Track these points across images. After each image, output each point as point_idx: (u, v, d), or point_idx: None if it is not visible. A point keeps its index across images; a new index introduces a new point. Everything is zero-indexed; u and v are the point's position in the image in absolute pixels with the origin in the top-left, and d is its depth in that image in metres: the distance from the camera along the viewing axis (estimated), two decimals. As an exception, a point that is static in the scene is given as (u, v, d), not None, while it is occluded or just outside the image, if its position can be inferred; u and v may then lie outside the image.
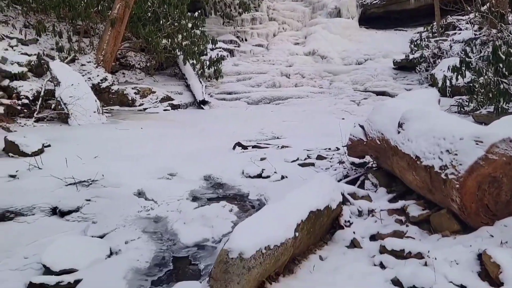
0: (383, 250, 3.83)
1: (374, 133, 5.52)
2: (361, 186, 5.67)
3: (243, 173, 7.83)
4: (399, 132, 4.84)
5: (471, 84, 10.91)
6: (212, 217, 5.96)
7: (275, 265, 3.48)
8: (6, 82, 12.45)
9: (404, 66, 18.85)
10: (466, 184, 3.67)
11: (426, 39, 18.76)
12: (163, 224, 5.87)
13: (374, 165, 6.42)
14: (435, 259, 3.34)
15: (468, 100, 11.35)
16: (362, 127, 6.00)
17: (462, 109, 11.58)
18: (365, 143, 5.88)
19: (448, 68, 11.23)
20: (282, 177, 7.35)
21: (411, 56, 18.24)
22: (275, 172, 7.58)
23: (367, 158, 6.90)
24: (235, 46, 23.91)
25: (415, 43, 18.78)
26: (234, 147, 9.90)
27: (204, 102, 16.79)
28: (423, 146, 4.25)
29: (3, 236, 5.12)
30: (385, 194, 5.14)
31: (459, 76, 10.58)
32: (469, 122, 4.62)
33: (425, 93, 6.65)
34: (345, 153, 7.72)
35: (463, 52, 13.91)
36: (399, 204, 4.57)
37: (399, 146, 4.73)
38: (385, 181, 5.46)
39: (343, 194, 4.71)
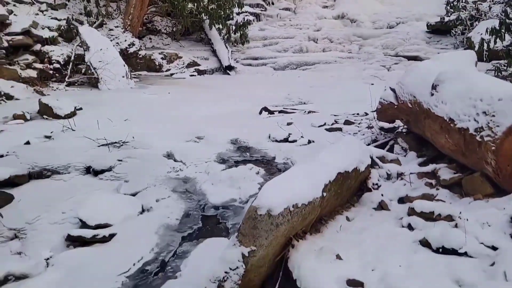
0: (411, 212, 3.81)
1: (406, 96, 5.37)
2: (390, 150, 5.58)
3: (269, 137, 7.84)
4: (432, 94, 4.69)
5: (511, 48, 10.33)
6: (239, 179, 6.06)
7: (302, 224, 3.52)
8: (38, 46, 12.70)
9: (438, 30, 17.96)
10: (502, 146, 3.55)
11: (463, 0, 17.73)
12: (191, 185, 6.02)
13: (404, 130, 6.29)
14: (467, 220, 3.29)
15: (506, 65, 10.79)
16: (393, 90, 5.84)
17: (499, 73, 11.03)
18: (395, 106, 5.73)
19: (486, 31, 10.61)
20: (309, 142, 7.32)
21: (446, 19, 17.29)
22: (301, 137, 7.56)
23: (397, 123, 6.76)
24: (261, 10, 23.32)
25: (451, 4, 17.73)
26: (260, 112, 9.88)
27: (230, 68, 16.68)
28: (458, 108, 4.11)
29: (41, 192, 5.38)
30: (415, 158, 5.05)
31: (498, 39, 10.00)
32: (508, 83, 4.42)
33: (461, 55, 6.36)
34: (374, 118, 7.57)
35: (503, 14, 13.07)
36: (430, 167, 4.49)
37: (432, 108, 4.59)
38: (415, 145, 5.35)
39: (371, 157, 4.65)
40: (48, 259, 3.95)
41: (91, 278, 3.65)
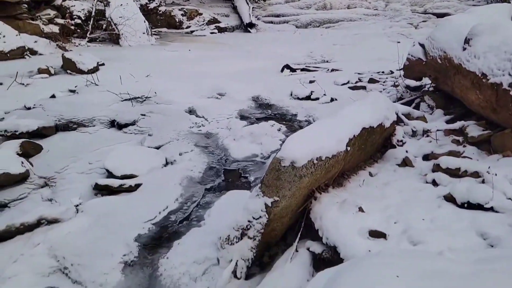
0: (436, 168, 3.76)
1: (436, 51, 5.16)
2: (416, 108, 5.45)
3: (291, 94, 7.75)
4: (464, 49, 4.49)
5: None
6: (261, 135, 6.07)
7: (325, 177, 3.53)
8: (58, 1, 12.65)
9: (471, -15, 16.99)
10: (537, 102, 3.41)
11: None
12: (213, 140, 6.07)
13: (431, 88, 6.10)
14: (495, 175, 3.23)
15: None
16: (422, 45, 5.61)
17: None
18: (424, 63, 5.53)
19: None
20: (332, 99, 7.21)
21: (480, -28, 16.31)
22: (324, 95, 7.44)
23: (424, 81, 6.56)
24: (284, -36, 22.42)
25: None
26: (282, 70, 9.72)
27: (251, 25, 16.30)
28: (492, 62, 3.93)
29: (69, 143, 5.53)
30: (442, 116, 4.92)
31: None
32: (548, 37, 4.17)
33: (497, 8, 6.00)
34: (400, 76, 7.36)
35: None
36: (457, 124, 4.37)
37: (463, 63, 4.41)
38: (443, 103, 5.21)
39: (397, 114, 4.56)
40: (77, 206, 4.11)
41: (119, 224, 3.80)
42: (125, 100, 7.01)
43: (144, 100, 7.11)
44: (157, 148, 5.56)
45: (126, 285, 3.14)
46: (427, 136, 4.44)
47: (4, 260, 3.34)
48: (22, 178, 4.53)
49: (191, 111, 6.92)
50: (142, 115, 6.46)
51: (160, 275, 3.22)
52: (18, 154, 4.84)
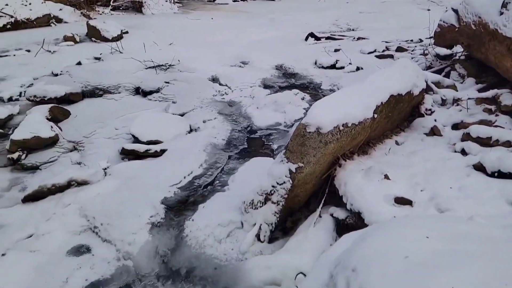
0: (466, 137, 3.66)
1: (470, 16, 4.92)
2: (446, 77, 5.26)
3: (315, 63, 7.60)
4: (501, 13, 4.26)
5: None
6: (284, 104, 6.02)
7: (351, 144, 3.49)
8: (82, -31, 12.58)
9: None
10: None
11: None
12: (237, 108, 6.07)
13: (462, 56, 5.86)
14: (529, 144, 3.13)
15: None
16: (455, 11, 5.36)
17: None
18: (456, 29, 5.30)
19: None
20: (357, 68, 7.05)
21: None
22: (349, 63, 7.27)
23: (454, 49, 6.31)
24: None
25: None
26: (306, 38, 9.51)
27: (275, -8, 15.89)
28: (531, 27, 3.73)
29: (95, 109, 5.63)
30: (473, 84, 4.75)
31: None
32: None
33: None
34: (429, 44, 7.09)
35: None
36: (490, 93, 4.21)
37: (499, 29, 4.20)
38: (475, 71, 5.01)
39: (426, 82, 4.42)
40: (105, 169, 4.22)
41: (145, 187, 3.89)
42: (149, 67, 7.03)
43: (168, 68, 7.12)
44: (181, 115, 5.60)
45: (153, 245, 3.25)
46: (457, 105, 4.31)
47: (38, 218, 3.49)
48: (52, 142, 4.66)
49: (214, 79, 6.90)
50: (166, 82, 6.49)
51: (186, 236, 3.31)
52: (47, 119, 4.96)
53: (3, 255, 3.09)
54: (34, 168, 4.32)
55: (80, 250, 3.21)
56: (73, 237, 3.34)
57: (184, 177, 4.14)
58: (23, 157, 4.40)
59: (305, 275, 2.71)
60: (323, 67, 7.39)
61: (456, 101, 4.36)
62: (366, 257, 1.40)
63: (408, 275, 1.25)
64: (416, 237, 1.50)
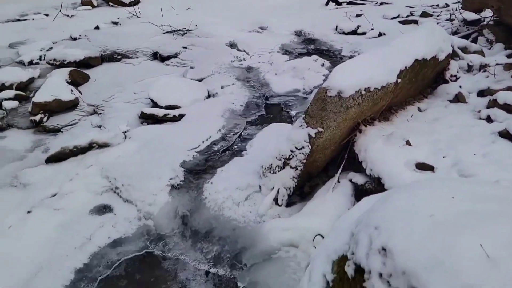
0: (492, 104, 3.54)
1: (502, -22, 4.66)
2: (473, 42, 5.05)
3: (336, 29, 7.39)
4: (538, -26, 4.02)
5: None
6: (303, 70, 5.91)
7: (372, 109, 3.42)
8: None
9: None
10: None
11: None
12: (255, 74, 5.99)
13: (491, 21, 5.61)
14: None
15: None
16: (487, -28, 5.08)
17: None
18: (487, -8, 5.04)
19: None
20: (380, 34, 6.82)
21: None
22: (371, 29, 7.04)
23: (482, 14, 6.04)
24: None
25: None
26: (327, 3, 9.21)
27: (294, -45, 15.31)
28: None
29: (114, 74, 5.64)
30: (502, 50, 4.56)
31: None
32: None
33: None
34: (456, 9, 6.81)
35: None
36: (520, 59, 4.04)
37: (534, -10, 3.97)
38: (504, 36, 4.80)
39: (452, 47, 4.25)
40: (125, 132, 4.26)
41: (165, 150, 3.92)
42: (167, 32, 6.96)
43: (185, 33, 7.03)
44: (199, 80, 5.57)
45: (173, 206, 3.31)
46: (484, 71, 4.15)
47: (61, 178, 3.57)
48: (72, 105, 4.71)
49: (232, 45, 6.80)
50: (183, 47, 6.43)
51: (205, 198, 3.35)
52: (67, 82, 5.00)
53: (28, 212, 3.20)
54: (56, 131, 4.40)
55: (103, 210, 3.30)
56: (96, 197, 3.42)
57: (203, 142, 4.16)
58: (45, 119, 4.47)
59: (323, 236, 2.73)
60: (344, 33, 7.19)
61: (483, 67, 4.20)
62: (390, 215, 1.39)
63: (434, 232, 1.24)
64: (441, 197, 1.48)
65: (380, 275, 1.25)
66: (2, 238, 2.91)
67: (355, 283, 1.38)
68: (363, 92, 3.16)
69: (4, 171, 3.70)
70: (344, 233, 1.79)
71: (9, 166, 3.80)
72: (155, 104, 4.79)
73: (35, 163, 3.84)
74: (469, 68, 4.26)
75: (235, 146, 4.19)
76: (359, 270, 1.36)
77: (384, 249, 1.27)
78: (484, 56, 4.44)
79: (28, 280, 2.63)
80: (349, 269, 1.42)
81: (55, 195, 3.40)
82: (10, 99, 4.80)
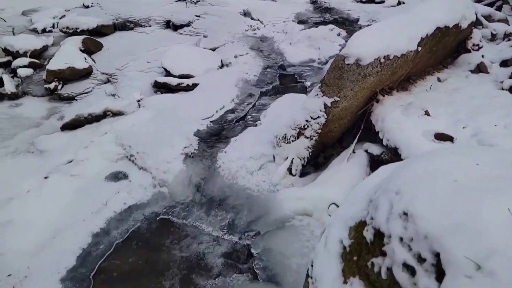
0: (516, 74, 3.42)
1: None
2: (498, 10, 4.85)
3: (353, -3, 7.18)
4: None
5: None
6: (319, 39, 5.77)
7: (391, 78, 3.33)
8: None
9: None
10: None
11: None
12: (269, 43, 5.88)
13: (518, -11, 5.35)
14: None
15: None
16: None
17: None
18: (515, -44, 4.78)
19: None
20: (399, 3, 6.59)
21: None
22: (390, -3, 6.82)
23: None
24: None
25: None
26: (344, -29, 8.90)
27: None
28: None
29: (127, 42, 5.59)
30: (529, 18, 4.36)
31: None
32: None
33: None
34: (480, -24, 6.51)
35: None
36: (548, 27, 3.87)
37: None
38: (531, 4, 4.57)
39: (476, 15, 4.08)
40: (139, 101, 4.24)
41: (178, 119, 3.91)
42: (179, 0, 6.83)
43: (198, 1, 6.89)
44: (213, 49, 5.49)
45: (187, 174, 3.32)
46: (509, 40, 3.99)
47: (77, 145, 3.60)
48: (86, 73, 4.70)
49: (246, 14, 6.65)
50: (196, 16, 6.31)
51: (218, 167, 3.35)
52: (80, 50, 4.97)
53: (45, 178, 3.25)
54: (70, 98, 4.41)
55: (118, 177, 3.33)
56: (111, 164, 3.45)
57: (216, 111, 4.14)
58: (59, 87, 4.48)
59: (337, 205, 2.72)
60: (361, 1, 6.97)
61: (507, 36, 4.04)
62: (412, 180, 1.35)
63: (458, 197, 1.20)
64: (465, 163, 1.43)
65: (401, 239, 1.22)
66: (20, 202, 2.97)
67: (373, 248, 1.36)
68: (382, 60, 3.07)
69: (21, 138, 3.75)
70: (361, 200, 1.77)
71: (25, 133, 3.84)
72: (168, 73, 4.75)
73: (50, 130, 3.87)
74: (493, 37, 4.10)
75: (249, 116, 4.16)
76: (379, 235, 1.34)
77: (405, 214, 1.24)
78: (509, 25, 4.27)
79: (46, 242, 2.69)
80: (368, 234, 1.40)
81: (71, 161, 3.44)
82: (24, 66, 4.81)
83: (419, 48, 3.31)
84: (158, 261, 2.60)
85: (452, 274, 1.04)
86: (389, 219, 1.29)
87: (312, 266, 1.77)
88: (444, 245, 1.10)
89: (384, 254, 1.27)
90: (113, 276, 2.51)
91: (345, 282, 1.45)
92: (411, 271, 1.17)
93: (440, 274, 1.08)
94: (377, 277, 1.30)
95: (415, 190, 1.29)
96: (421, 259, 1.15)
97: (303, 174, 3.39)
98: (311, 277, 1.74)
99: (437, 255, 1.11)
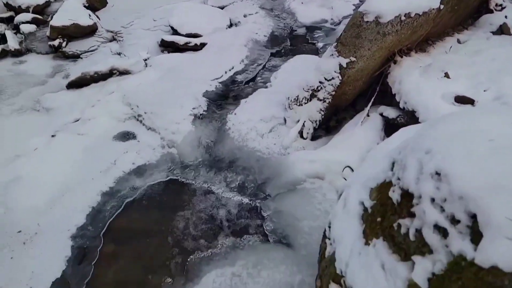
0: (542, 36, 3.25)
1: None
2: (523, -31, 4.58)
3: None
4: None
5: None
6: (332, -1, 5.55)
7: (410, 38, 3.18)
8: None
9: None
10: None
11: None
12: (280, 2, 5.64)
13: None
14: None
15: None
16: None
17: None
18: None
19: None
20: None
21: None
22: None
23: None
24: None
25: None
26: None
27: None
28: None
29: (132, -1, 5.40)
30: (557, -22, 4.11)
31: None
32: None
33: None
34: None
35: None
36: None
37: None
38: (560, -37, 4.31)
39: (501, -27, 3.85)
40: (146, 60, 4.12)
41: (186, 79, 3.80)
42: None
43: (206, -44, 6.57)
44: (221, 8, 5.29)
45: (196, 135, 3.25)
46: (535, 0, 3.78)
47: (83, 104, 3.52)
48: (90, 30, 4.55)
49: (256, -30, 6.36)
50: (204, -28, 6.04)
51: (228, 129, 3.28)
52: (84, 6, 4.79)
53: (53, 136, 3.19)
54: (75, 56, 4.29)
55: (126, 136, 3.26)
56: (118, 123, 3.38)
57: (225, 72, 4.01)
58: (63, 44, 4.35)
59: (352, 169, 2.65)
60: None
61: (533, -4, 3.83)
62: (444, 139, 1.27)
63: (495, 156, 1.12)
64: (499, 122, 1.34)
65: (432, 200, 1.16)
66: (28, 160, 2.92)
67: (400, 209, 1.30)
68: (402, 18, 2.91)
69: (26, 96, 3.66)
70: (382, 161, 1.69)
71: (30, 90, 3.75)
72: (175, 32, 4.59)
73: (56, 89, 3.78)
74: (518, -3, 3.89)
75: (259, 78, 4.04)
76: (407, 196, 1.27)
77: (437, 173, 1.16)
78: (536, -16, 4.03)
79: (55, 200, 2.66)
80: (394, 195, 1.33)
81: (78, 120, 3.37)
82: (27, 22, 4.65)
83: (441, 6, 3.14)
84: (168, 221, 2.58)
85: (491, 236, 0.98)
86: (419, 179, 1.22)
87: (329, 227, 1.72)
88: (482, 206, 1.03)
89: (412, 215, 1.21)
90: (123, 235, 2.50)
91: (367, 243, 1.40)
92: (443, 232, 1.11)
93: (476, 236, 1.02)
94: (403, 239, 1.24)
95: (448, 149, 1.21)
96: (454, 221, 1.09)
97: (314, 137, 3.31)
98: (329, 238, 1.69)
99: (473, 217, 1.04)
